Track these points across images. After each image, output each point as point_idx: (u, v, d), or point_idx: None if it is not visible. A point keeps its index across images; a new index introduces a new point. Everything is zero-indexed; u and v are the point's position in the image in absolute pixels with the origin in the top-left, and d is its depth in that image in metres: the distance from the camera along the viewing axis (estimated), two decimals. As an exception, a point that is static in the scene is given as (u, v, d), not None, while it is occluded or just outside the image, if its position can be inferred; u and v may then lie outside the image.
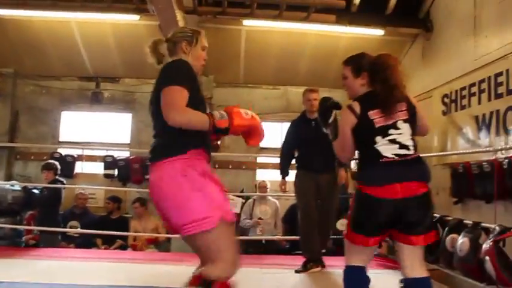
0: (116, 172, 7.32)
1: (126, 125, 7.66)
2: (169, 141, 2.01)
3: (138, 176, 7.26)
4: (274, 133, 7.65)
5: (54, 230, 5.52)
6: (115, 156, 7.34)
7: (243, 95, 7.58)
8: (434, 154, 5.37)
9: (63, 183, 5.80)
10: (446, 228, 3.68)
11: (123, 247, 6.36)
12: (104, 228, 6.15)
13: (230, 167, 7.51)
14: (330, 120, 2.55)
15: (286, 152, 4.57)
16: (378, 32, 6.39)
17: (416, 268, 2.22)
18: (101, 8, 5.58)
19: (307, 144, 4.30)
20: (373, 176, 2.27)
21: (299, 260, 4.34)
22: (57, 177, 5.78)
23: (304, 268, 4.22)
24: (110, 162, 7.30)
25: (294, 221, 6.02)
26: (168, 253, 6.12)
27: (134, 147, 7.31)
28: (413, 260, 2.23)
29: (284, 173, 4.61)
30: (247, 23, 5.91)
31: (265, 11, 5.58)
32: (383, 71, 2.32)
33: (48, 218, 5.58)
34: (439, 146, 5.64)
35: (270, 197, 6.50)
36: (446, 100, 5.53)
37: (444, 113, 5.57)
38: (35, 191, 5.83)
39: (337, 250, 6.37)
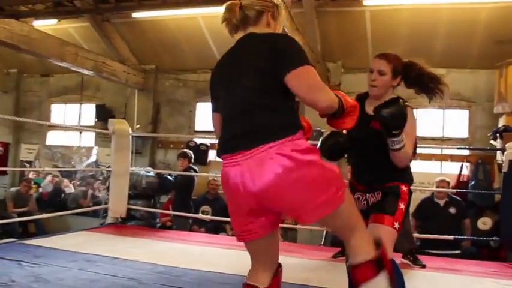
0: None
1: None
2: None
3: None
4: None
5: (185, 214, 5.92)
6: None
7: (373, 80, 7.11)
8: None
9: (196, 171, 6.18)
10: None
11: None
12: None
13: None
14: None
15: None
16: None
17: None
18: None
19: None
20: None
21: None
22: (191, 165, 6.19)
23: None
24: (240, 150, 7.54)
25: (426, 216, 5.53)
26: (293, 244, 6.10)
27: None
28: None
29: None
30: (369, 2, 5.48)
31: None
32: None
33: (181, 202, 6.04)
34: None
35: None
36: None
37: None
38: (169, 177, 6.31)
39: (480, 253, 5.65)
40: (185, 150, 6.54)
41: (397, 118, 2.06)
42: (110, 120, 5.57)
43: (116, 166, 5.40)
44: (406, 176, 2.36)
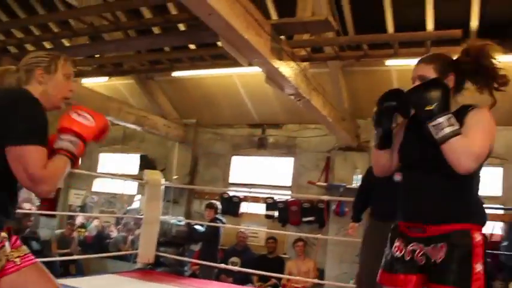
0: (276, 213, 7.68)
1: (288, 168, 8.03)
2: None
3: (296, 218, 7.48)
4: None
5: (211, 264, 6.08)
6: (275, 198, 7.72)
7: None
8: None
9: (223, 222, 6.39)
10: None
11: (275, 286, 6.58)
12: (261, 266, 6.48)
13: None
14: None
15: None
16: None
17: None
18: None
19: None
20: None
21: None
22: (217, 216, 6.41)
23: None
24: (270, 204, 7.71)
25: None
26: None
27: (294, 190, 7.61)
28: None
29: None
30: (391, 63, 5.69)
31: (409, 49, 5.31)
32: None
33: (206, 251, 6.22)
34: None
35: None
36: None
37: None
38: (198, 227, 6.55)
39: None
40: (212, 201, 6.71)
41: (428, 89, 1.66)
42: (145, 171, 5.97)
43: (148, 214, 5.74)
44: (474, 208, 1.76)
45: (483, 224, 1.73)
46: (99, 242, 9.11)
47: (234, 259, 6.97)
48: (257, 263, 6.84)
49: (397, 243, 1.82)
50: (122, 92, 8.43)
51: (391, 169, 1.97)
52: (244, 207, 8.12)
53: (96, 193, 9.83)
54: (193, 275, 6.56)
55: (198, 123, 8.60)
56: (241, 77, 7.19)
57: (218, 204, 6.55)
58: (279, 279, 6.60)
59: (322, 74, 5.69)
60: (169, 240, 6.23)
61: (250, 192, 7.94)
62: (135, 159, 9.29)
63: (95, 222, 9.47)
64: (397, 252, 1.79)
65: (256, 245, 7.62)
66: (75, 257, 7.18)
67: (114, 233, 9.40)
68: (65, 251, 7.68)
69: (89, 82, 7.09)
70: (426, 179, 1.74)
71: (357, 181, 6.58)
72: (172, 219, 6.63)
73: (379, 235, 2.58)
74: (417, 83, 1.81)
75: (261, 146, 8.10)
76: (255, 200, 8.06)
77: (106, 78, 7.78)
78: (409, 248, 1.75)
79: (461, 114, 1.73)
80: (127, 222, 9.36)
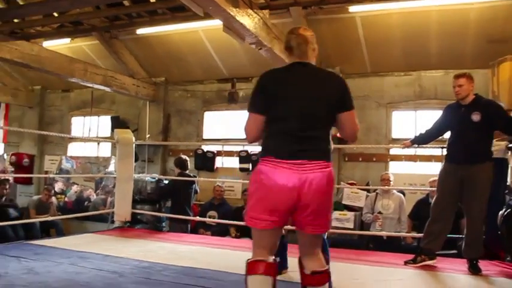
0: (250, 166, 7.80)
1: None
2: (329, 148, 2.24)
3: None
4: (407, 122, 7.17)
5: (190, 218, 6.16)
6: (249, 151, 7.82)
7: (372, 84, 7.28)
8: None
9: (190, 176, 6.33)
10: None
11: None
12: (239, 218, 6.61)
13: (360, 159, 7.29)
14: None
15: (429, 129, 4.14)
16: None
17: None
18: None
19: (453, 133, 3.91)
20: None
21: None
22: (186, 172, 6.30)
23: (414, 261, 3.95)
24: (244, 157, 7.81)
25: (421, 217, 5.59)
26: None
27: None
28: None
29: (414, 139, 4.25)
30: (355, 9, 5.68)
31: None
32: None
33: (175, 208, 6.15)
34: None
35: (394, 191, 6.11)
36: None
37: None
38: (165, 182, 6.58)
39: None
40: (179, 156, 6.52)
41: None
42: (115, 131, 5.96)
43: (120, 172, 5.78)
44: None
45: None
46: (79, 207, 9.18)
47: (212, 213, 7.10)
48: (235, 215, 6.99)
49: None
50: (87, 54, 8.24)
51: None
52: (219, 162, 8.22)
53: (72, 158, 9.79)
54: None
55: (167, 81, 8.54)
56: (207, 32, 7.08)
57: (186, 159, 6.45)
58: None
59: (285, 24, 5.63)
60: (145, 198, 6.30)
61: (223, 146, 8.02)
62: (107, 121, 9.22)
63: (74, 188, 9.50)
64: None
65: (233, 198, 7.77)
66: (53, 217, 7.26)
67: (94, 197, 9.46)
68: (44, 216, 7.72)
69: (51, 44, 6.89)
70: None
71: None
72: (146, 177, 6.68)
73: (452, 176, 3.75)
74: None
75: (231, 100, 8.11)
76: (229, 154, 8.16)
77: (68, 40, 7.58)
78: None
79: None
80: (105, 185, 9.41)
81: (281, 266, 3.44)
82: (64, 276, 3.15)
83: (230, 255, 4.32)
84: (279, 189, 2.05)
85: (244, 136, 2.28)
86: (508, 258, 4.19)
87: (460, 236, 5.37)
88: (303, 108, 2.12)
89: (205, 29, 6.99)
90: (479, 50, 6.26)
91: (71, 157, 9.76)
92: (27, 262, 3.51)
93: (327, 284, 2.20)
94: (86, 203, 9.41)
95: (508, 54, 5.69)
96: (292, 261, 3.21)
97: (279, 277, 3.36)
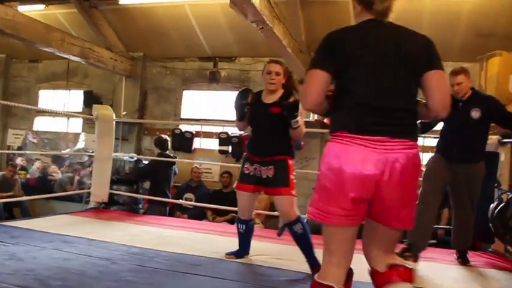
0: (229, 148, 7.61)
1: (241, 102, 7.86)
2: (415, 123, 1.85)
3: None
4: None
5: (168, 200, 5.96)
6: (229, 133, 7.62)
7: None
8: None
9: (170, 157, 6.11)
10: None
11: (233, 220, 6.61)
12: (217, 200, 6.44)
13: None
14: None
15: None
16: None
17: None
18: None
19: (448, 128, 3.74)
20: None
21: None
22: (166, 152, 6.10)
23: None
24: (224, 139, 7.61)
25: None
26: (270, 230, 6.18)
27: (248, 124, 7.51)
28: None
29: None
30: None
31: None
32: None
33: (154, 189, 5.99)
34: None
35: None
36: None
37: None
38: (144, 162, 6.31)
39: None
40: (159, 136, 6.35)
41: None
42: (94, 106, 5.62)
43: (99, 151, 5.46)
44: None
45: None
46: (43, 184, 8.72)
47: (188, 195, 6.90)
48: (212, 197, 6.82)
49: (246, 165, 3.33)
50: (62, 23, 7.72)
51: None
52: (197, 143, 7.99)
53: (37, 132, 9.28)
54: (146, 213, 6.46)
55: (146, 56, 8.15)
56: (194, 7, 6.77)
57: (166, 138, 6.22)
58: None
59: (280, 4, 5.44)
60: (122, 178, 6.02)
61: (202, 127, 7.77)
62: (78, 96, 8.77)
63: (37, 164, 9.01)
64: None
65: (210, 180, 7.59)
66: (22, 198, 6.81)
67: (58, 175, 9.01)
68: (8, 193, 7.27)
69: (24, 10, 6.36)
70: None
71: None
72: (125, 156, 6.38)
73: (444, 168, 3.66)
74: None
75: (213, 80, 7.86)
76: (208, 135, 7.93)
77: (43, 6, 7.05)
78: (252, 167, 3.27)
79: None
80: (72, 163, 8.98)
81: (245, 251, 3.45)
82: (52, 263, 2.90)
83: (218, 240, 4.17)
84: (353, 175, 1.66)
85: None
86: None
87: (440, 226, 5.49)
88: (382, 73, 1.74)
89: (191, 4, 6.68)
90: (466, 43, 6.28)
91: (36, 132, 9.26)
92: (6, 246, 3.22)
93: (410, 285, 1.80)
94: (50, 182, 8.97)
95: (494, 49, 5.73)
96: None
97: (241, 260, 3.34)
